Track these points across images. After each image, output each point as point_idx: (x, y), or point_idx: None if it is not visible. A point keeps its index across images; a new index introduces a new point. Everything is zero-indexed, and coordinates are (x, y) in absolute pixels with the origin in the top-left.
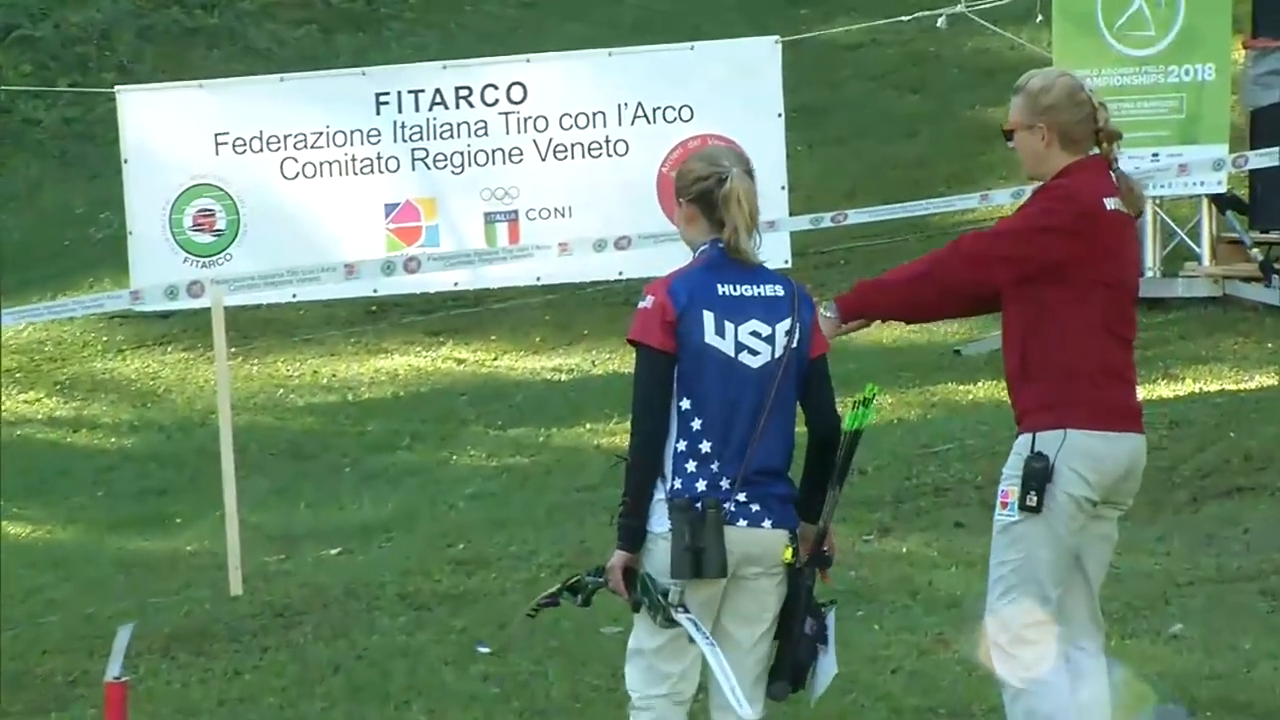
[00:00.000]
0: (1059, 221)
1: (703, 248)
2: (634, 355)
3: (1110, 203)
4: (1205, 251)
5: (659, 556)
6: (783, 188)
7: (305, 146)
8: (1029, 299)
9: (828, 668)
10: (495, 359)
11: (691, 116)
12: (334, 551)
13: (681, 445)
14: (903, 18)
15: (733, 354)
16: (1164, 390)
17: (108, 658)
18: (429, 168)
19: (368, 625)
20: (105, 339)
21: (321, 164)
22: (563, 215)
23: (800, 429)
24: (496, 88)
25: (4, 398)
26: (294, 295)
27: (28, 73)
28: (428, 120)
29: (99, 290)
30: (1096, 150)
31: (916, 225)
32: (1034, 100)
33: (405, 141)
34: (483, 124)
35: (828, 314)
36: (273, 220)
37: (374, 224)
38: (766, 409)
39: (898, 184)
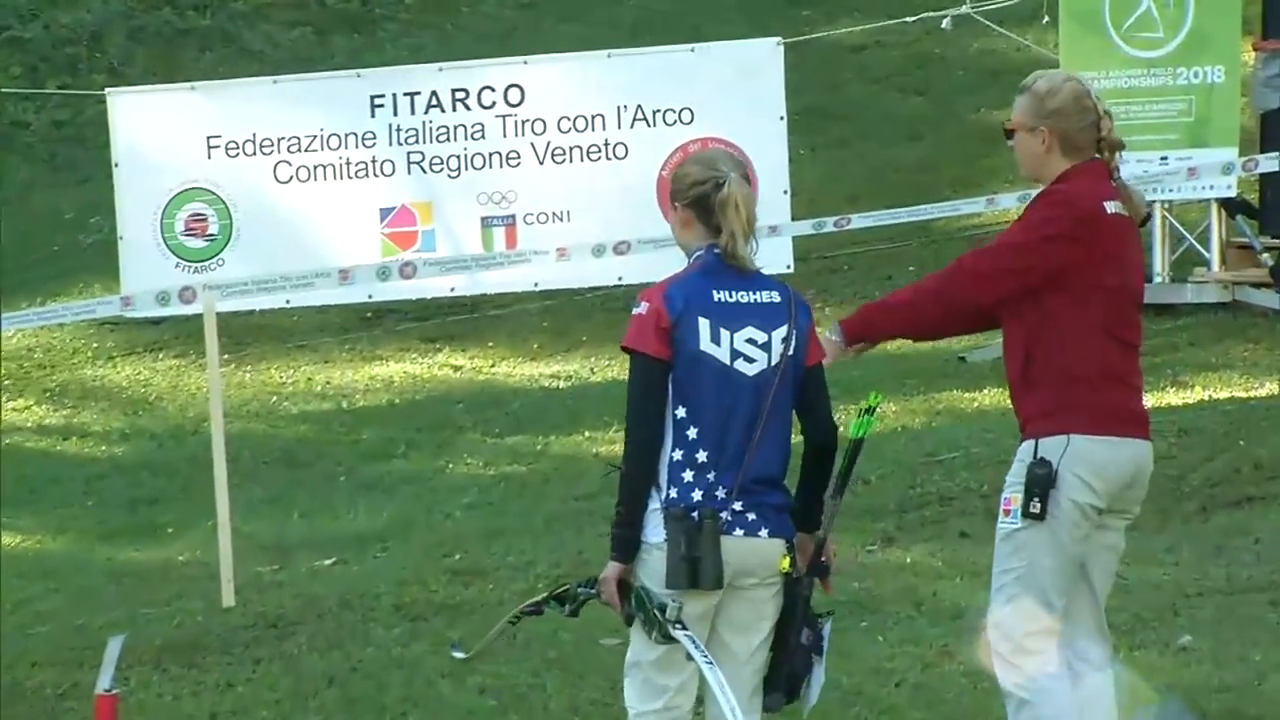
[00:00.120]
0: (1060, 228)
1: (698, 253)
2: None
3: (1110, 206)
4: (1214, 257)
5: (654, 566)
6: (785, 192)
7: (299, 150)
8: (1029, 306)
9: (820, 678)
10: (492, 366)
11: (692, 119)
12: (328, 562)
13: (677, 454)
14: (907, 19)
15: (728, 361)
16: (1172, 398)
17: (98, 670)
18: (425, 171)
19: (363, 637)
20: (96, 346)
21: (316, 168)
22: (561, 220)
23: (797, 438)
24: (494, 90)
25: None
26: (287, 301)
27: (17, 75)
28: (424, 123)
29: (89, 296)
30: (1097, 156)
31: (921, 230)
32: (1039, 103)
33: (401, 145)
34: (479, 127)
35: (833, 337)
36: (266, 225)
37: (369, 228)
38: (763, 417)
39: (902, 188)
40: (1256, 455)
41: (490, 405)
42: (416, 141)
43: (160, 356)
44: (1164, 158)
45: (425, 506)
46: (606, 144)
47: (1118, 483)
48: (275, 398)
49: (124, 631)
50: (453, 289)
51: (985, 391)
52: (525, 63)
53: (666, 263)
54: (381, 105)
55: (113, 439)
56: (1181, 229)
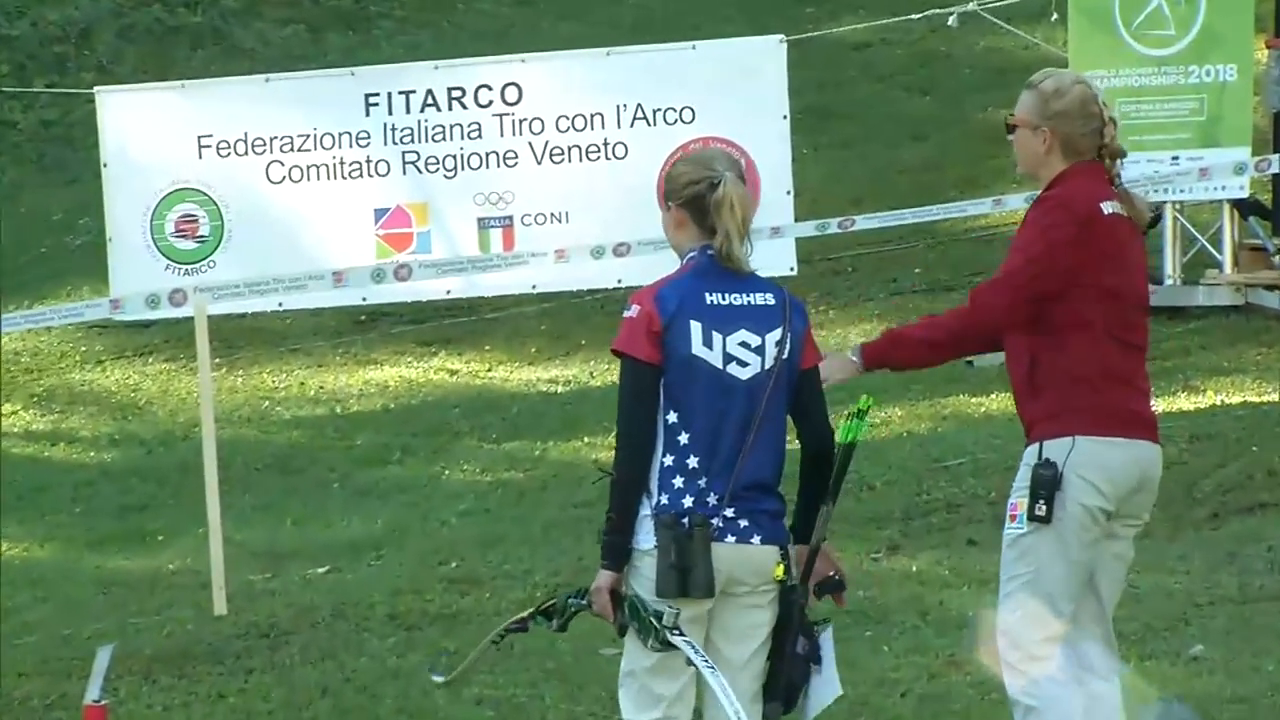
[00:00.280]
0: (1063, 234)
1: (692, 254)
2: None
3: (1108, 207)
4: (1227, 258)
5: (645, 573)
6: (788, 192)
7: (292, 149)
8: (1031, 311)
9: (823, 688)
10: (489, 370)
11: (693, 118)
12: (321, 570)
13: (668, 459)
14: (912, 16)
15: (721, 365)
16: (1184, 402)
17: (87, 680)
18: (420, 171)
19: (356, 646)
20: (84, 349)
21: (309, 168)
22: (559, 221)
23: (793, 445)
24: (491, 89)
25: None
26: (280, 304)
27: (4, 73)
28: (419, 122)
29: (77, 299)
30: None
31: (926, 231)
32: (1044, 103)
33: (396, 144)
34: (476, 126)
35: (853, 358)
36: (258, 226)
37: (363, 230)
38: (756, 422)
39: (907, 188)
40: (1270, 461)
41: (487, 410)
42: (412, 141)
43: (150, 360)
44: (1175, 157)
45: (420, 514)
46: (606, 144)
47: (1125, 485)
48: (267, 402)
49: (113, 641)
50: (449, 291)
51: (992, 396)
52: (523, 61)
53: (667, 264)
54: (376, 104)
55: (102, 445)
56: (1193, 230)
